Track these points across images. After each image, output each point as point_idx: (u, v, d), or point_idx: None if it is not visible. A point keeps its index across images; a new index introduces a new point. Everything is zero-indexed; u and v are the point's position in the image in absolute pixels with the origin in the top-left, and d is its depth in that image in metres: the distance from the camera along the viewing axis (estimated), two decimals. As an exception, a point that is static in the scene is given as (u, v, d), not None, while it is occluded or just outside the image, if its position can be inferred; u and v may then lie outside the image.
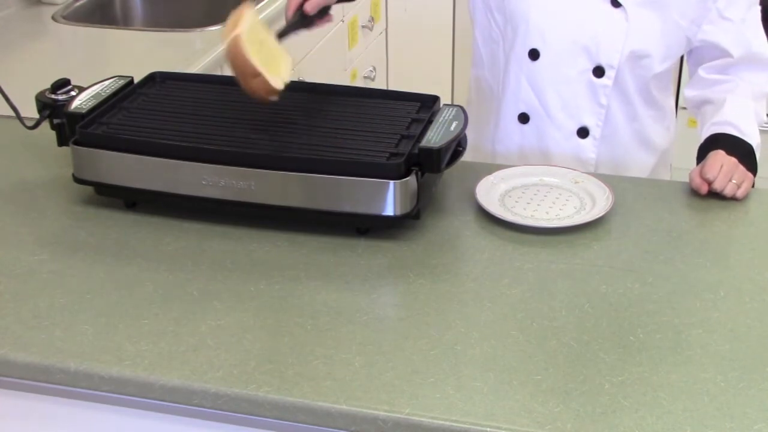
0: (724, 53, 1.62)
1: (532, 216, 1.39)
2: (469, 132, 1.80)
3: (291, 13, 1.43)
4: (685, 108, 1.74)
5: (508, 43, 1.64)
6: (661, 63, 1.63)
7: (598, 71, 1.60)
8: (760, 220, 1.43)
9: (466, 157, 1.79)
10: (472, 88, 1.80)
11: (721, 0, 1.57)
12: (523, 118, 1.67)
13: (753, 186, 1.50)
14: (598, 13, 1.57)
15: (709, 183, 1.45)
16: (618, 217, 1.40)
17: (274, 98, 1.34)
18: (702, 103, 1.66)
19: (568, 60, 1.60)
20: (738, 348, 1.13)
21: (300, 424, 1.06)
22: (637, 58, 1.60)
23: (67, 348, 1.13)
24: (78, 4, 2.48)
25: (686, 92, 1.69)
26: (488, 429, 1.01)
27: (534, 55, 1.61)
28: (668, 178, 1.78)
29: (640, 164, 1.72)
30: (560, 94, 1.63)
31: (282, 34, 1.42)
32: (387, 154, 1.33)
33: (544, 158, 1.67)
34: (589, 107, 1.64)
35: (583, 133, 1.66)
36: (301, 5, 1.43)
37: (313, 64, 2.73)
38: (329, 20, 1.48)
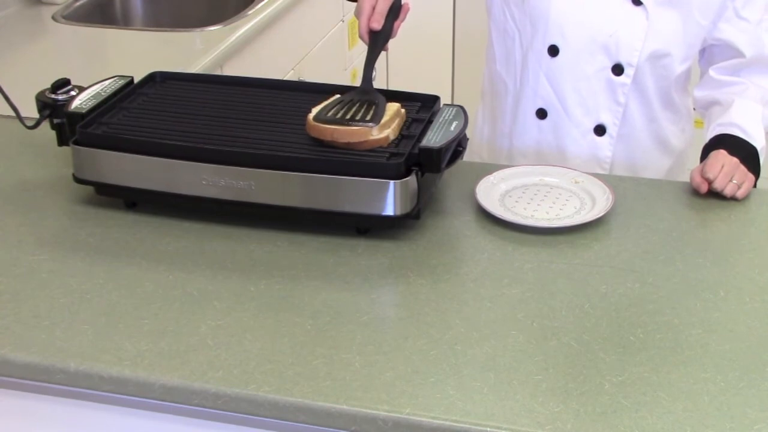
0: (737, 53, 1.61)
1: (532, 216, 1.39)
2: (484, 127, 1.81)
3: (367, 38, 1.43)
4: (695, 109, 1.74)
5: (526, 38, 1.64)
6: (682, 63, 1.63)
7: (617, 69, 1.60)
8: (760, 220, 1.43)
9: (482, 151, 1.80)
10: (485, 83, 1.80)
11: None
12: (541, 114, 1.67)
13: (755, 186, 1.49)
14: (619, 11, 1.57)
15: (710, 182, 1.45)
16: (618, 217, 1.40)
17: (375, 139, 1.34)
18: (710, 104, 1.65)
19: (587, 57, 1.60)
20: (738, 348, 1.13)
21: (300, 424, 1.06)
22: (657, 57, 1.60)
23: (67, 348, 1.13)
24: (78, 4, 2.48)
25: (695, 92, 1.69)
26: (488, 429, 1.01)
27: (553, 51, 1.61)
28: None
29: (656, 165, 1.72)
30: (578, 91, 1.63)
31: (369, 61, 1.42)
32: (387, 154, 1.33)
33: (561, 155, 1.68)
34: (606, 105, 1.64)
35: (599, 130, 1.66)
36: (370, 28, 1.42)
37: (313, 64, 2.73)
38: (403, 18, 1.47)
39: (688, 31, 1.59)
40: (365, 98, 1.40)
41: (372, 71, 1.43)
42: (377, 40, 1.43)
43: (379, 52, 1.44)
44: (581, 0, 1.59)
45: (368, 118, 1.34)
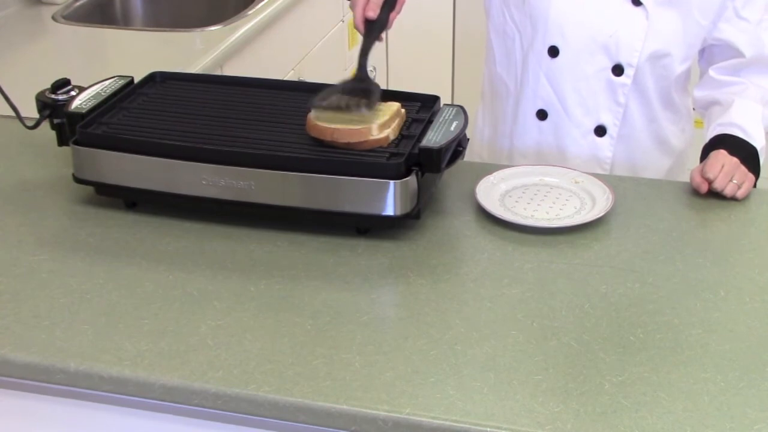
0: (737, 53, 1.62)
1: (532, 216, 1.39)
2: (484, 129, 1.81)
3: (362, 27, 1.43)
4: (694, 109, 1.74)
5: (526, 39, 1.64)
6: (682, 63, 1.63)
7: (617, 70, 1.60)
8: (760, 220, 1.43)
9: (482, 152, 1.80)
10: (485, 85, 1.80)
11: None
12: (542, 115, 1.67)
13: (755, 186, 1.49)
14: (618, 11, 1.57)
15: (710, 182, 1.45)
16: (618, 217, 1.40)
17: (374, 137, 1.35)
18: (710, 104, 1.66)
19: (587, 58, 1.60)
20: (738, 348, 1.13)
21: (300, 424, 1.06)
22: (657, 57, 1.60)
23: (67, 348, 1.13)
24: (78, 4, 2.49)
25: (695, 92, 1.69)
26: (488, 429, 1.01)
27: (553, 52, 1.61)
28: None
29: (656, 166, 1.72)
30: (579, 91, 1.63)
31: (364, 50, 1.42)
32: (387, 154, 1.33)
33: (561, 156, 1.68)
34: (607, 105, 1.64)
35: (600, 131, 1.66)
36: (365, 16, 1.42)
37: (313, 64, 2.73)
38: (399, 10, 1.47)
39: (688, 31, 1.60)
40: (360, 86, 1.40)
41: (367, 59, 1.42)
42: (372, 30, 1.42)
43: (374, 42, 1.43)
44: (581, 0, 1.59)
45: (362, 105, 1.34)
